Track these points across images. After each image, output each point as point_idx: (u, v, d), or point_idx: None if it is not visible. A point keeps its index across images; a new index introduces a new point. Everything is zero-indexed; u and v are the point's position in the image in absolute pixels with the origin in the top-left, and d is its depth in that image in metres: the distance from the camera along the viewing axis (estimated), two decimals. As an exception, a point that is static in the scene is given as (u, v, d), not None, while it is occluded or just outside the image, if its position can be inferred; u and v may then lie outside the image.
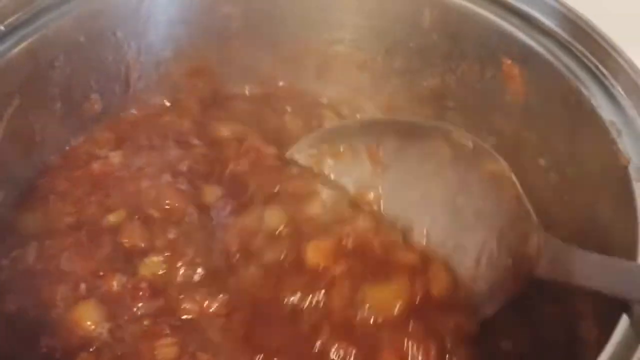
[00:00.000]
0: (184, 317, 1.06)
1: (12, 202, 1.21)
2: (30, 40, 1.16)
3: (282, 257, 1.10)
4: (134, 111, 1.37)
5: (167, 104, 1.40)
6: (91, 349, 1.03)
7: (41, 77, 1.20)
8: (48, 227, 1.17)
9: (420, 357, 0.99)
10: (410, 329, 1.02)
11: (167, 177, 1.22)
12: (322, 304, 1.05)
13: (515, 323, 1.09)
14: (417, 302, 1.05)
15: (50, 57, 1.20)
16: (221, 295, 1.07)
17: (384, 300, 1.05)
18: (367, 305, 1.04)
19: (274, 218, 1.15)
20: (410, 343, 1.00)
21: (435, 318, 1.04)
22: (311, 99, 1.43)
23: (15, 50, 1.14)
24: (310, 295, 1.06)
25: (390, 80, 1.39)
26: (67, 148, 1.30)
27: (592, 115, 1.05)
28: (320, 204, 1.18)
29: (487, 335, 1.06)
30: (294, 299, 1.05)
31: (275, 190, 1.19)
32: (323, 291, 1.06)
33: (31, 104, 1.20)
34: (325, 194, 1.19)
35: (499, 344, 1.08)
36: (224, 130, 1.33)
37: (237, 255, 1.11)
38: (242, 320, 1.06)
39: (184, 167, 1.24)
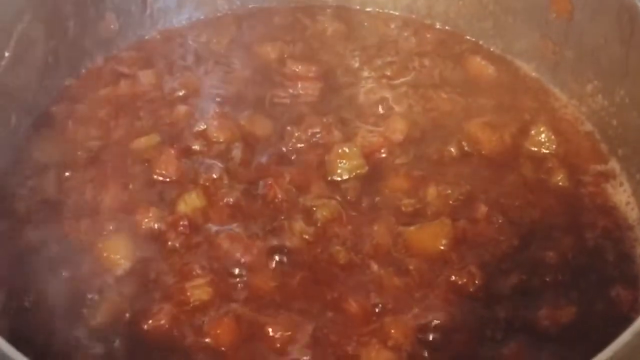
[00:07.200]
0: (221, 256, 0.96)
1: (25, 129, 1.11)
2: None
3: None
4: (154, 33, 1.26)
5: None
6: (117, 285, 0.93)
7: (53, -8, 1.11)
8: (67, 155, 1.07)
9: None
10: None
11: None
12: None
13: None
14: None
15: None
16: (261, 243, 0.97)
17: None
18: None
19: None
20: None
21: None
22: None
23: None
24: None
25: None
26: (84, 71, 1.19)
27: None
28: None
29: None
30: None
31: None
32: None
33: (43, 21, 1.10)
34: None
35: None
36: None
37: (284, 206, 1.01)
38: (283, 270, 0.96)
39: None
